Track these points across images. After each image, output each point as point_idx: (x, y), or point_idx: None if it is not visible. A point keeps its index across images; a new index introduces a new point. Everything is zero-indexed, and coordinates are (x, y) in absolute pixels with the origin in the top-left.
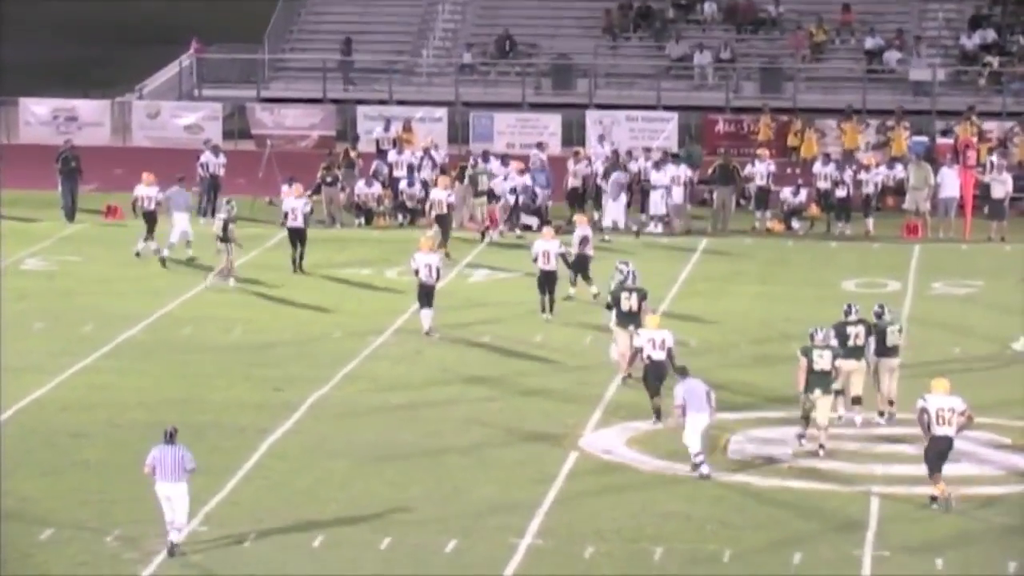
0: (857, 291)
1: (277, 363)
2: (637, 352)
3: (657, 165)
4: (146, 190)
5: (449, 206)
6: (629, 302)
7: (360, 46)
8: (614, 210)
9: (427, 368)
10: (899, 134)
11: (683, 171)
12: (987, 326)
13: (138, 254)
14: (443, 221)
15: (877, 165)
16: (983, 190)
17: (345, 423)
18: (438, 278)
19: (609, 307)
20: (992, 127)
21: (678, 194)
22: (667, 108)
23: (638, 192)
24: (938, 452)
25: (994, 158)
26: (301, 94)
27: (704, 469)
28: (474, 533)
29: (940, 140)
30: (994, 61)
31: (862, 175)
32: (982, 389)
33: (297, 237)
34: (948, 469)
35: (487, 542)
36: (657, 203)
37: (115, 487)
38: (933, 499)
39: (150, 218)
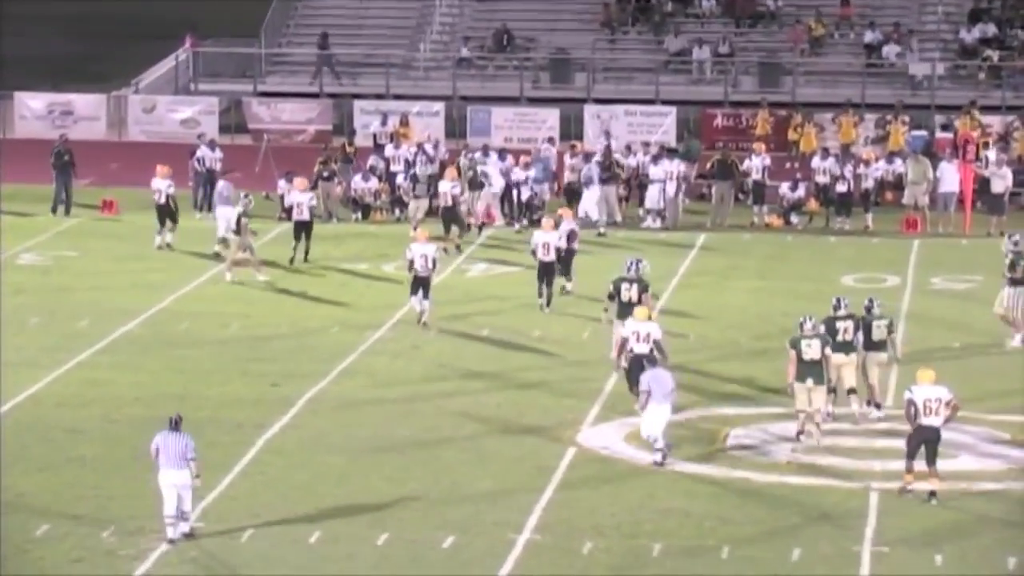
0: (856, 286)
1: (274, 358)
2: (623, 343)
3: (655, 159)
4: (159, 183)
5: (454, 198)
6: (629, 293)
7: (357, 40)
8: (587, 202)
9: (425, 362)
10: (897, 129)
11: (676, 166)
12: (986, 321)
13: (169, 245)
14: (451, 213)
15: (876, 160)
16: (982, 185)
17: (342, 418)
18: (434, 268)
19: (611, 297)
20: (992, 121)
21: (671, 188)
22: (665, 102)
23: (636, 187)
24: (921, 440)
25: (990, 153)
26: (298, 88)
27: (657, 457)
28: (472, 528)
29: (940, 135)
30: (994, 55)
31: (861, 169)
32: (981, 384)
33: (303, 230)
34: (947, 464)
35: (485, 537)
36: (654, 197)
37: (111, 483)
38: (932, 494)
39: (161, 211)
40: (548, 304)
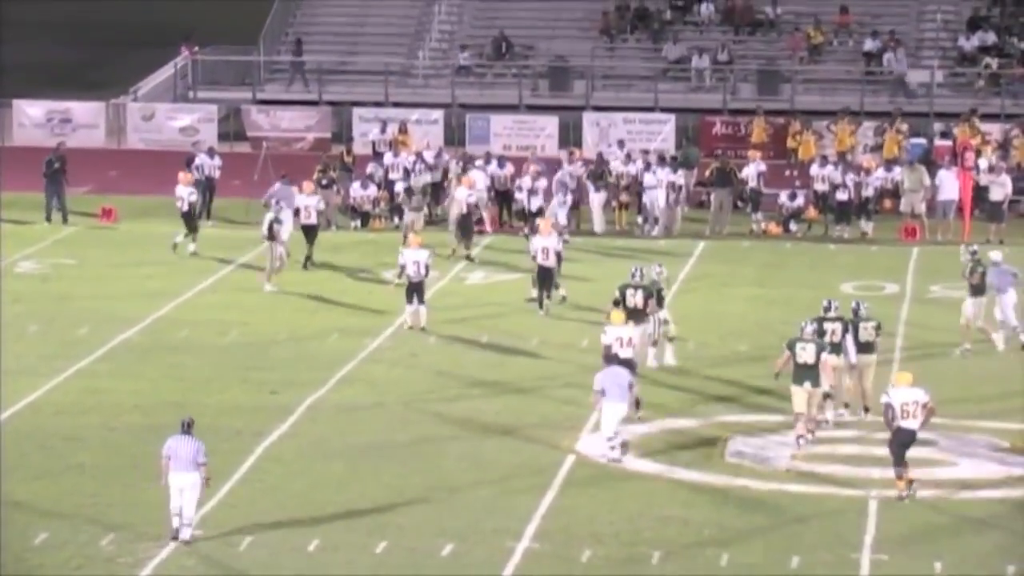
0: (855, 294)
1: (273, 366)
2: (606, 350)
3: (647, 167)
4: (181, 191)
5: (470, 207)
6: (634, 299)
7: (356, 47)
8: (556, 210)
9: (424, 370)
10: (892, 137)
11: (667, 174)
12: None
13: (195, 253)
14: (466, 222)
15: (876, 168)
16: (981, 192)
17: (341, 425)
18: (426, 274)
19: (616, 303)
20: (991, 129)
21: (661, 196)
22: (664, 110)
23: (635, 195)
24: (900, 443)
25: (983, 161)
26: (296, 96)
27: (615, 454)
28: (471, 536)
29: (938, 142)
30: (993, 63)
31: (862, 178)
32: (980, 391)
33: (311, 233)
34: (947, 472)
35: (484, 546)
36: (647, 205)
37: (110, 490)
38: (910, 483)
39: (185, 218)
40: (548, 301)
